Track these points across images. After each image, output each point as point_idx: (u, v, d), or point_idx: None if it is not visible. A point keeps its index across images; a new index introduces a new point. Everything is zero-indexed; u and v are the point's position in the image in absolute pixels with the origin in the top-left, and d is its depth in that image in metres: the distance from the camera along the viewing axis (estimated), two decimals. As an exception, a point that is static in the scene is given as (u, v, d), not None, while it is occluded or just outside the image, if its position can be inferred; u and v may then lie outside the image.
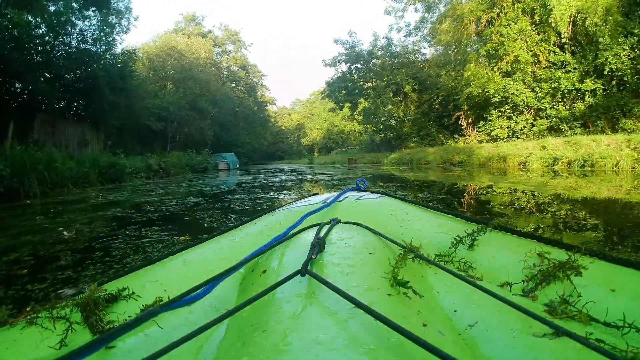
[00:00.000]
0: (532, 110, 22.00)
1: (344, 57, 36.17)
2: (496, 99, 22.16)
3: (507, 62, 22.01)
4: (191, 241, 1.28)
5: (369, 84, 35.99)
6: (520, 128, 22.05)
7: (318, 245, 0.86)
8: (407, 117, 32.55)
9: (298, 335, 0.56)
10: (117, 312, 0.85)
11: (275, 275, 0.84)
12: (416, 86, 31.63)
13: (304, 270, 0.73)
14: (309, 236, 0.99)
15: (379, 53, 35.16)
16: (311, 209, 1.40)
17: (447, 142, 28.12)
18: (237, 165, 33.54)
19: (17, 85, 15.45)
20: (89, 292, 0.85)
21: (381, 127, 36.63)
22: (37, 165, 9.41)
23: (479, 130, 25.12)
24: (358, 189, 1.77)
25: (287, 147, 75.56)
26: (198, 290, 0.80)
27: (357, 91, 36.80)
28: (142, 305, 0.85)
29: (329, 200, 1.53)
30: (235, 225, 1.43)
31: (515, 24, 21.60)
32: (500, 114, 23.14)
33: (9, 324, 0.81)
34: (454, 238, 1.12)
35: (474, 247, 1.09)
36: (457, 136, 27.64)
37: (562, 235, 3.19)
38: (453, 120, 27.37)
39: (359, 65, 36.19)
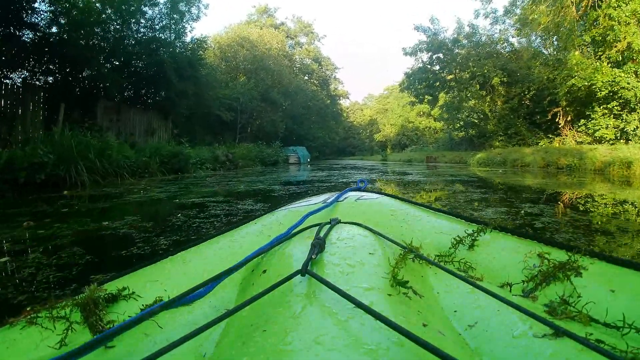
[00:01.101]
0: None
1: (425, 45, 32.33)
2: (603, 94, 18.54)
3: (618, 50, 18.44)
4: (191, 241, 1.26)
5: (452, 76, 32.57)
6: (632, 128, 18.28)
7: (318, 245, 0.85)
8: (494, 113, 28.89)
9: (298, 335, 0.56)
10: (117, 312, 0.85)
11: (275, 275, 0.83)
12: (505, 79, 27.56)
13: (304, 270, 0.72)
14: (309, 236, 0.99)
15: (464, 41, 31.28)
16: (311, 209, 1.39)
17: (538, 142, 24.51)
18: (308, 160, 32.60)
19: (80, 71, 14.67)
20: (89, 292, 0.86)
21: (462, 123, 33.19)
22: (87, 152, 8.82)
23: (579, 130, 21.48)
24: (358, 189, 1.77)
25: (359, 143, 74.25)
26: (198, 290, 0.81)
27: (438, 84, 33.16)
28: (142, 305, 0.85)
29: (329, 201, 1.52)
30: (236, 225, 1.43)
31: (627, 4, 17.98)
32: (606, 111, 19.41)
33: (9, 323, 0.81)
34: (454, 238, 1.12)
35: (474, 247, 1.09)
36: (551, 136, 23.95)
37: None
38: (549, 117, 23.65)
39: (440, 55, 32.21)
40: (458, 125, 33.46)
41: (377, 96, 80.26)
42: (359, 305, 0.61)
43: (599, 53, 19.61)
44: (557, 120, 23.12)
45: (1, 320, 0.83)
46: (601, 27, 18.96)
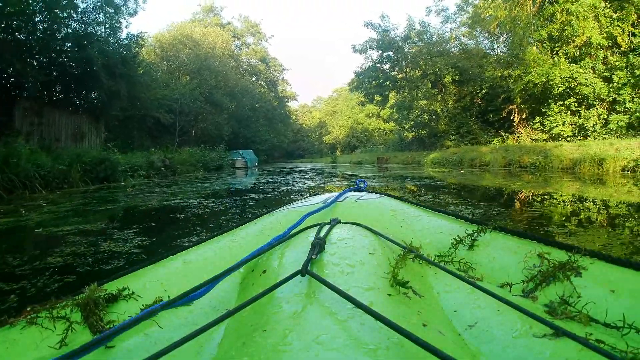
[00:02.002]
0: (604, 103, 18.37)
1: (375, 43, 32.25)
2: (559, 90, 18.62)
3: (576, 46, 18.44)
4: (191, 241, 1.34)
5: (402, 75, 32.30)
6: (591, 125, 18.36)
7: (318, 246, 0.85)
8: (445, 112, 28.83)
9: (298, 336, 0.56)
10: (117, 312, 0.85)
11: (275, 275, 0.83)
12: (456, 77, 27.77)
13: (304, 271, 0.72)
14: (309, 236, 0.98)
15: (415, 39, 31.37)
16: (311, 209, 1.39)
17: (491, 141, 24.59)
18: (256, 164, 32.14)
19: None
20: (89, 291, 0.85)
21: (412, 123, 33.04)
22: None
23: (534, 127, 21.59)
24: (358, 189, 1.77)
25: (308, 146, 73.95)
26: (198, 290, 0.80)
27: (388, 82, 33.18)
28: (142, 305, 0.85)
29: (329, 201, 1.52)
30: (236, 225, 1.42)
31: (585, -1, 17.79)
32: (563, 108, 19.51)
33: (9, 323, 0.80)
34: (454, 238, 1.12)
35: (474, 247, 1.09)
36: (505, 134, 24.09)
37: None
38: (504, 115, 23.79)
39: (391, 54, 32.32)
40: (408, 125, 33.27)
41: (326, 98, 79.91)
42: (358, 305, 0.61)
43: (556, 49, 19.62)
44: (512, 118, 23.13)
45: (1, 320, 0.82)
46: (558, 22, 18.87)
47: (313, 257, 0.80)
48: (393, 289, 0.75)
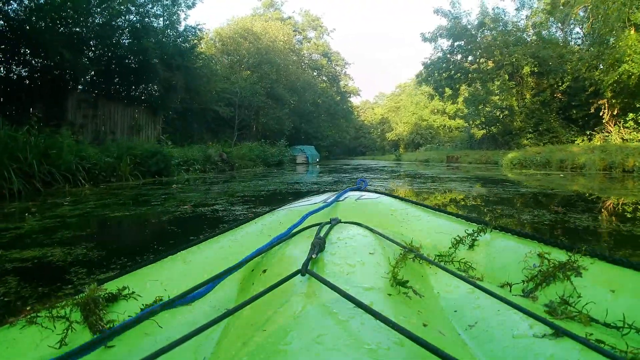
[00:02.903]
0: None
1: (445, 31, 29.17)
2: None
3: None
4: (192, 240, 1.25)
5: (475, 66, 29.45)
6: None
7: (318, 245, 0.85)
8: (522, 107, 25.82)
9: (298, 335, 0.56)
10: (117, 311, 0.86)
11: (275, 274, 0.83)
12: (535, 68, 24.78)
13: (304, 270, 0.72)
14: (310, 236, 0.98)
15: (490, 25, 28.04)
16: (312, 208, 1.39)
17: (574, 140, 21.67)
18: (317, 160, 31.16)
19: (53, 61, 12.48)
20: (89, 291, 0.86)
21: (483, 119, 30.19)
22: (18, 152, 7.21)
23: (626, 125, 18.60)
24: (358, 189, 1.77)
25: (370, 143, 72.50)
26: (198, 290, 0.81)
27: (459, 75, 30.15)
28: (143, 304, 0.86)
29: (329, 200, 1.52)
30: (236, 224, 1.43)
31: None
32: None
33: (9, 323, 0.81)
34: (454, 238, 1.12)
35: (474, 247, 1.09)
36: (591, 132, 21.08)
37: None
38: (592, 111, 20.77)
39: (462, 43, 29.26)
40: (479, 121, 30.47)
41: (389, 94, 78.15)
42: (359, 305, 0.61)
43: None
44: (601, 115, 20.32)
45: (1, 319, 0.82)
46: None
47: (313, 256, 0.79)
48: (393, 288, 0.74)
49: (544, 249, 0.97)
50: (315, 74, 51.14)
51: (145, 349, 0.66)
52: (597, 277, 0.84)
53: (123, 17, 15.43)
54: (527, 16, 28.20)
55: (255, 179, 10.82)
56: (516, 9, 31.11)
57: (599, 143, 18.83)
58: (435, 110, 53.58)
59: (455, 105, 38.16)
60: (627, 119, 18.69)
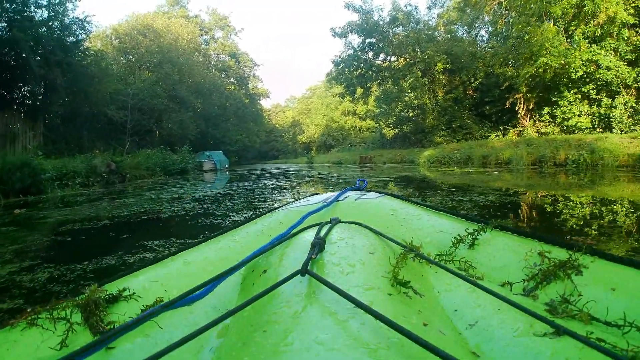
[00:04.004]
0: (631, 90, 15.92)
1: (356, 27, 28.45)
2: (578, 74, 16.08)
3: (597, 24, 15.93)
4: (192, 241, 1.27)
5: (387, 64, 29.42)
6: (617, 114, 15.73)
7: (318, 245, 0.85)
8: (434, 105, 26.21)
9: (298, 335, 0.56)
10: (118, 312, 0.85)
11: (275, 275, 0.83)
12: (448, 65, 24.92)
13: (304, 270, 0.72)
14: (309, 236, 0.98)
15: (402, 21, 27.79)
16: (311, 208, 1.39)
17: (488, 136, 22.33)
18: (226, 166, 29.84)
19: None
20: (89, 292, 0.85)
21: (395, 119, 30.52)
22: None
23: (542, 119, 19.24)
24: (358, 189, 1.77)
25: (282, 146, 71.90)
26: (199, 290, 0.80)
27: (370, 73, 29.90)
28: (143, 305, 0.85)
29: (329, 200, 1.52)
30: (236, 225, 1.42)
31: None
32: (579, 96, 17.00)
33: (10, 325, 0.81)
34: (455, 237, 1.12)
35: (474, 246, 1.09)
36: (507, 127, 21.52)
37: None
38: (508, 106, 21.00)
39: (373, 40, 28.78)
40: (391, 121, 30.76)
41: (300, 97, 77.62)
42: (359, 305, 0.61)
43: (571, 28, 17.18)
44: (516, 110, 20.65)
45: (2, 321, 0.82)
46: (574, -5, 16.19)
47: (313, 256, 0.79)
48: (393, 288, 0.74)
49: (544, 247, 0.97)
50: (222, 75, 49.50)
51: (146, 350, 0.68)
52: (597, 276, 0.84)
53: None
54: (438, 14, 28.94)
55: (141, 194, 9.43)
56: (427, 7, 31.49)
57: (514, 138, 19.41)
58: (346, 112, 53.98)
59: (366, 105, 38.43)
60: (543, 112, 19.09)
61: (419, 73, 26.13)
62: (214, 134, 38.25)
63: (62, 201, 8.56)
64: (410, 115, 28.80)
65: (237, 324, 0.69)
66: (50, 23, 16.01)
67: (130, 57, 30.63)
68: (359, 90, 31.54)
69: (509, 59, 21.00)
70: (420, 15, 29.07)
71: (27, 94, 15.30)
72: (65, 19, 16.55)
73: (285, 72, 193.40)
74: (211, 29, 51.43)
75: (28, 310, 0.84)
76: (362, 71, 29.98)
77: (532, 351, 0.62)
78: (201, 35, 48.23)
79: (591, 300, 0.76)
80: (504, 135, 21.42)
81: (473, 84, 24.84)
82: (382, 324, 0.57)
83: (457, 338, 0.70)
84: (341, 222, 1.13)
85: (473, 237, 1.10)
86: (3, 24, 13.72)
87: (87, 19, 17.63)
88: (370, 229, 1.08)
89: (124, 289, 0.90)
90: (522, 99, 20.16)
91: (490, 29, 26.48)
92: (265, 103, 65.62)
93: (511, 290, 0.88)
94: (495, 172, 12.02)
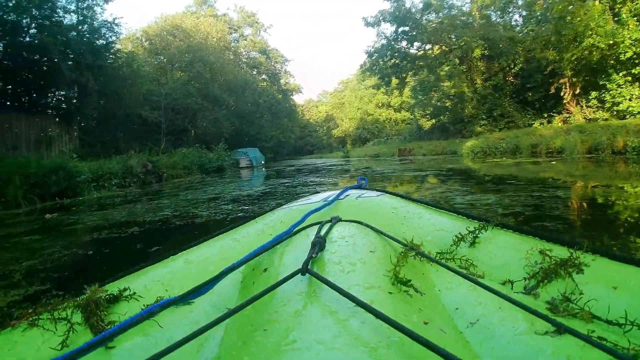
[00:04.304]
0: None
1: (388, 15, 27.54)
2: (627, 55, 15.00)
3: None
4: (192, 240, 1.25)
5: (422, 52, 28.13)
6: None
7: (319, 244, 0.85)
8: (473, 94, 24.98)
9: (299, 334, 0.56)
10: (119, 312, 0.85)
11: (276, 274, 0.83)
12: (486, 51, 24.02)
13: (304, 269, 0.72)
14: (310, 235, 0.98)
15: (437, 5, 26.69)
16: (312, 207, 1.38)
17: (532, 124, 21.00)
18: (262, 162, 29.17)
19: None
20: (90, 292, 0.85)
21: (431, 109, 29.20)
22: None
23: (589, 105, 17.94)
24: (359, 187, 1.77)
25: (316, 141, 70.98)
26: (199, 290, 0.81)
27: (405, 62, 29.03)
28: (144, 305, 0.84)
29: (330, 199, 1.50)
30: (237, 224, 1.42)
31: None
32: (629, 78, 15.73)
33: (11, 325, 0.80)
34: (456, 236, 1.11)
35: (475, 244, 1.08)
36: (552, 114, 20.47)
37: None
38: (553, 91, 19.86)
39: (407, 29, 27.84)
40: (428, 111, 29.52)
41: (332, 91, 76.61)
42: (359, 304, 0.60)
43: (617, 5, 16.06)
44: (562, 95, 19.47)
45: (2, 322, 0.82)
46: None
47: (313, 255, 0.79)
48: (394, 287, 0.74)
49: (546, 245, 0.97)
50: (254, 72, 49.17)
51: (147, 350, 0.68)
52: (598, 274, 0.83)
53: (23, 12, 13.10)
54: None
55: (177, 194, 9.16)
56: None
57: (560, 125, 18.21)
58: (381, 104, 53.05)
59: (400, 97, 37.30)
60: (590, 97, 17.99)
61: (457, 60, 25.14)
62: (249, 131, 38.01)
63: (98, 203, 8.45)
64: (448, 104, 27.52)
65: (238, 323, 0.68)
66: (80, 27, 15.87)
67: (162, 58, 30.61)
68: (394, 81, 30.49)
69: (552, 41, 19.46)
70: (454, 1, 27.64)
71: (61, 98, 15.19)
72: (94, 22, 16.36)
73: (306, 71, 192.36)
74: (240, 26, 51.01)
75: (29, 311, 0.83)
76: (397, 61, 29.20)
77: (533, 349, 0.61)
78: (230, 34, 47.98)
79: (592, 299, 0.75)
80: (548, 122, 20.41)
81: (513, 70, 23.51)
82: (382, 322, 0.56)
83: (458, 336, 0.69)
84: (342, 221, 1.11)
85: (474, 235, 1.09)
86: (33, 31, 13.57)
87: (116, 22, 17.45)
88: (371, 228, 1.07)
89: (125, 289, 0.89)
90: (567, 84, 19.20)
91: (524, 13, 24.79)
92: (297, 98, 65.18)
93: (512, 288, 0.88)
94: (553, 162, 11.09)
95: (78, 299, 0.85)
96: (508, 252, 1.00)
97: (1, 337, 0.78)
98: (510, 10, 26.18)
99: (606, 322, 0.70)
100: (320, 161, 28.87)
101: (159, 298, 0.84)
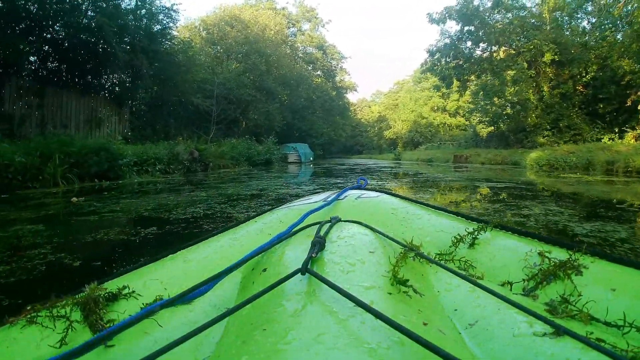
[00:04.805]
0: None
1: (454, 12, 25.57)
2: None
3: None
4: (192, 239, 1.23)
5: (487, 54, 26.34)
6: None
7: (318, 244, 0.85)
8: (539, 102, 23.05)
9: (298, 334, 0.56)
10: (118, 310, 0.85)
11: (275, 273, 0.83)
12: (556, 57, 21.79)
13: (304, 269, 0.72)
14: (310, 235, 0.98)
15: (506, 5, 24.60)
16: (312, 207, 1.37)
17: (601, 139, 19.12)
18: (311, 159, 29.05)
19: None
20: (89, 290, 0.86)
21: (491, 116, 27.39)
22: None
23: None
24: (359, 187, 1.76)
25: (367, 141, 70.59)
26: (198, 289, 0.81)
27: (469, 64, 26.91)
28: (143, 303, 0.85)
29: (329, 199, 1.50)
30: (236, 223, 1.40)
31: None
32: None
33: (9, 322, 0.80)
34: (455, 237, 1.11)
35: (474, 245, 1.08)
36: (625, 129, 18.53)
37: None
38: (629, 103, 18.00)
39: (472, 28, 25.87)
40: (488, 117, 27.72)
41: (387, 92, 75.50)
42: (359, 304, 0.60)
43: None
44: (639, 108, 17.57)
45: (1, 319, 0.81)
46: None
47: (313, 255, 0.79)
48: (393, 287, 0.74)
49: (545, 247, 0.96)
50: (309, 68, 48.94)
51: (145, 348, 0.67)
52: (597, 276, 0.83)
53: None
54: (543, 0, 25.27)
55: (218, 186, 8.61)
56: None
57: (632, 142, 16.36)
58: (436, 108, 51.75)
59: (457, 102, 35.52)
60: None
61: (525, 64, 22.96)
62: (300, 126, 37.78)
63: (134, 189, 8.08)
64: (509, 112, 25.61)
65: (237, 322, 0.68)
66: (137, 11, 15.74)
67: (219, 47, 30.53)
68: (455, 83, 28.79)
69: (633, 49, 17.41)
70: (524, 1, 25.64)
71: (115, 81, 15.09)
72: (152, 7, 16.19)
73: (362, 69, 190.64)
74: (298, 20, 50.79)
75: (27, 308, 0.82)
76: (460, 62, 27.22)
77: (532, 351, 0.61)
78: (288, 28, 47.78)
79: (591, 301, 0.75)
80: (620, 138, 18.20)
81: (584, 79, 21.43)
82: (382, 323, 0.56)
83: (457, 337, 0.69)
84: (341, 221, 1.10)
85: (473, 236, 1.08)
86: (91, 13, 13.48)
87: (174, 8, 17.21)
88: (371, 228, 1.06)
89: (124, 287, 0.89)
90: None
91: (593, 20, 22.61)
92: (351, 97, 64.34)
93: (511, 290, 0.87)
94: (580, 176, 9.66)
95: (77, 296, 0.84)
96: (507, 253, 1.00)
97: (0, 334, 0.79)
98: (579, 15, 24.00)
99: (605, 324, 0.70)
100: (371, 162, 27.99)
101: (158, 297, 0.86)
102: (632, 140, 17.17)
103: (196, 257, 1.12)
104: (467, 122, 37.90)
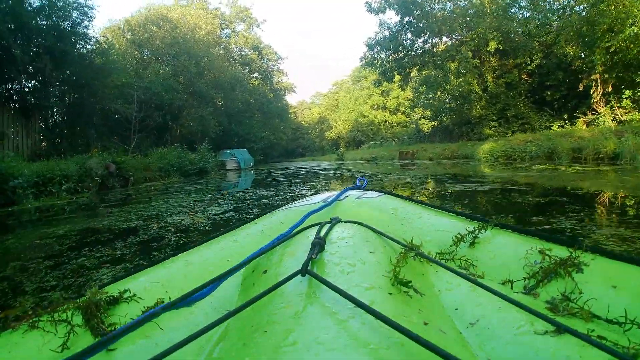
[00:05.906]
0: None
1: (394, 2, 24.27)
2: None
3: None
4: (192, 242, 1.27)
5: (428, 46, 25.71)
6: None
7: (318, 245, 0.84)
8: (484, 93, 22.78)
9: (299, 335, 0.56)
10: (119, 314, 0.84)
11: (276, 275, 0.83)
12: (500, 45, 21.66)
13: (304, 270, 0.72)
14: (310, 236, 0.97)
15: None
16: (312, 208, 1.37)
17: (550, 127, 19.04)
18: (251, 164, 27.39)
19: None
20: (90, 294, 0.85)
21: (434, 110, 27.11)
22: None
23: (621, 105, 15.92)
24: (359, 188, 1.77)
25: (309, 143, 70.10)
26: (199, 291, 0.80)
27: (409, 57, 26.03)
28: (144, 307, 0.84)
29: (329, 200, 1.50)
30: (237, 225, 1.41)
31: None
32: None
33: (11, 327, 0.80)
34: (455, 236, 1.11)
35: (475, 244, 1.07)
36: (577, 115, 18.33)
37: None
38: (581, 88, 17.61)
39: (412, 19, 24.82)
40: (430, 112, 27.43)
41: (326, 92, 75.32)
42: (359, 304, 0.61)
43: None
44: (592, 93, 17.20)
45: (3, 324, 0.81)
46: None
47: (313, 256, 0.78)
48: (394, 287, 0.74)
49: (545, 245, 0.96)
50: (245, 70, 47.23)
51: (147, 352, 0.67)
52: (598, 273, 0.83)
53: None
54: None
55: (117, 211, 5.99)
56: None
57: (583, 127, 16.32)
58: (376, 106, 51.78)
59: (397, 99, 35.21)
60: (624, 96, 15.99)
61: (469, 54, 22.46)
62: (238, 130, 36.20)
63: (22, 218, 6.41)
64: (452, 105, 25.42)
65: (238, 324, 0.68)
66: (47, 9, 13.83)
67: (146, 50, 28.43)
68: (397, 78, 28.18)
69: (583, 32, 16.88)
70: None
71: (22, 89, 13.13)
72: (60, 1, 14.29)
73: (310, 67, 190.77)
74: (232, 21, 49.12)
75: (29, 313, 0.81)
76: (401, 54, 26.47)
77: (533, 349, 0.61)
78: (222, 29, 46.07)
79: (592, 298, 0.75)
80: (571, 125, 18.23)
81: (529, 67, 21.45)
82: (382, 323, 0.56)
83: (458, 337, 0.69)
84: (341, 222, 1.10)
85: (473, 235, 1.08)
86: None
87: (89, 3, 15.31)
88: (371, 228, 1.06)
89: (125, 291, 0.89)
90: (599, 81, 16.79)
91: (527, 14, 22.64)
92: (290, 99, 63.33)
93: (512, 288, 0.87)
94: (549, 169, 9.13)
95: (78, 300, 0.84)
96: (507, 252, 1.00)
97: (1, 339, 0.78)
98: (513, 11, 24.08)
99: (606, 322, 0.70)
100: (313, 164, 26.89)
101: (159, 300, 0.85)
102: (583, 126, 17.06)
103: (197, 259, 1.12)
104: (407, 119, 37.71)
